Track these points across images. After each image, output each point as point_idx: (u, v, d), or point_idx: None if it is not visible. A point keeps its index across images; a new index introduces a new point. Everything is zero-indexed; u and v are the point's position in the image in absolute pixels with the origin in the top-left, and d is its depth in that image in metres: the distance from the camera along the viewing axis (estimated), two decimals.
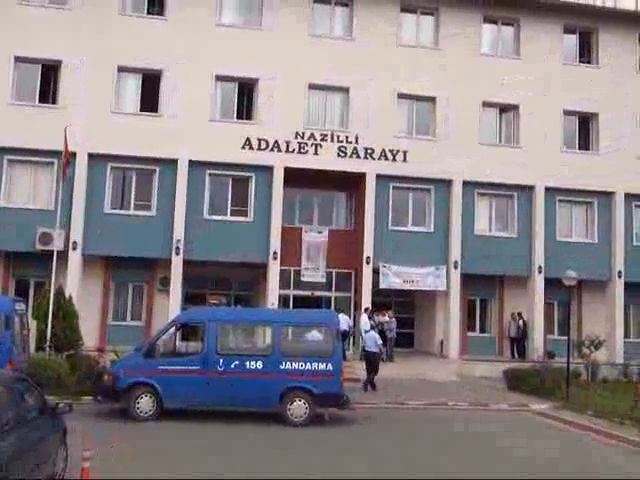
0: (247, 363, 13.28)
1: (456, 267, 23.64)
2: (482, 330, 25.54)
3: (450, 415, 15.40)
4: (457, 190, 23.86)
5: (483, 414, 15.79)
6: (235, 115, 23.27)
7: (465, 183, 23.92)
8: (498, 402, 17.02)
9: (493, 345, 25.15)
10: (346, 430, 13.16)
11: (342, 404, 13.57)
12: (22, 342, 14.41)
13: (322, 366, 13.41)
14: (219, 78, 22.91)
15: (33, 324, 17.14)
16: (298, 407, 13.26)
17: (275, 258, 22.46)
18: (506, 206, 24.81)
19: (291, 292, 23.58)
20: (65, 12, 22.01)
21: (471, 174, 23.83)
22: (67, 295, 18.90)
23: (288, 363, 13.36)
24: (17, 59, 21.70)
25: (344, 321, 19.36)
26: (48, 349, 16.54)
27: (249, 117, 23.27)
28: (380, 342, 18.90)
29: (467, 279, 24.04)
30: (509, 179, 24.16)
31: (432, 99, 24.13)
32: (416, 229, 23.99)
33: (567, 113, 25.00)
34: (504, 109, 25.10)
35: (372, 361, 18.28)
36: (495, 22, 25.20)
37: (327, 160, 23.03)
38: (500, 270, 24.40)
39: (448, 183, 23.94)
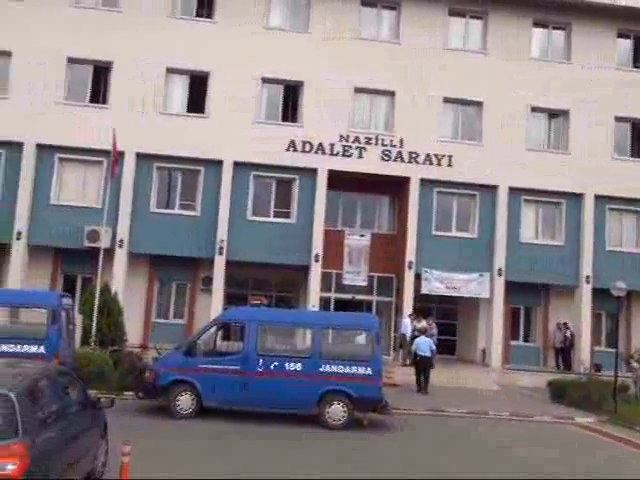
0: (286, 364, 13.27)
1: (500, 274, 23.26)
2: (526, 339, 25.03)
3: (491, 425, 15.11)
4: (503, 196, 23.49)
5: (525, 425, 15.46)
6: (280, 117, 23.39)
7: (511, 189, 23.54)
8: (541, 414, 16.61)
9: (537, 355, 24.62)
10: (383, 436, 13.02)
11: (381, 409, 13.44)
12: (68, 336, 14.70)
13: (361, 370, 13.31)
14: (265, 80, 23.06)
15: (79, 319, 17.50)
16: (336, 410, 13.19)
17: (317, 260, 22.47)
18: (553, 214, 24.31)
19: (332, 295, 23.55)
20: (116, 14, 22.47)
21: (517, 180, 23.43)
22: (112, 292, 19.30)
23: (327, 366, 13.29)
24: (69, 60, 22.24)
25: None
26: (93, 344, 16.85)
27: (294, 119, 23.35)
28: (434, 347, 19.01)
29: (511, 287, 23.63)
30: (557, 186, 23.68)
31: (479, 104, 23.82)
32: (460, 235, 23.69)
33: (619, 119, 24.37)
34: (553, 114, 24.61)
35: (426, 366, 18.43)
36: (545, 26, 24.75)
37: (371, 163, 22.95)
38: (546, 279, 23.89)
39: (493, 189, 23.59)
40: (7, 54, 21.88)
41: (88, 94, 22.58)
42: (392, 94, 23.47)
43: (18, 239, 21.40)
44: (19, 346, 13.09)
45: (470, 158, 23.33)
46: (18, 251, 21.44)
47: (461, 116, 24.18)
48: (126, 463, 7.93)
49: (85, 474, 7.55)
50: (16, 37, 21.73)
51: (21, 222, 21.44)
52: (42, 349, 13.11)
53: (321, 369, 13.26)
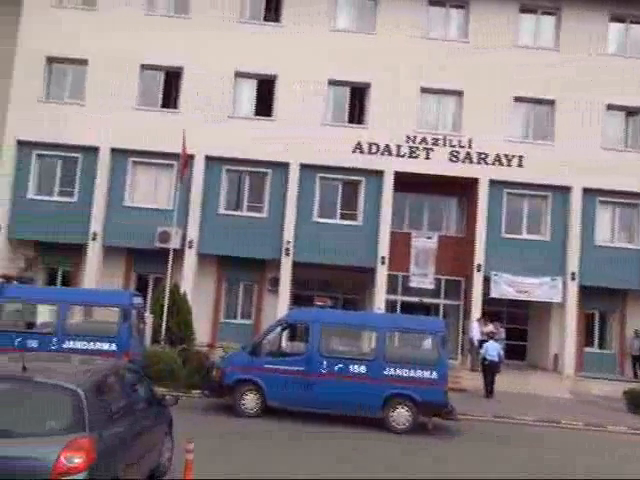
0: (350, 367, 13.23)
1: (574, 278, 22.48)
2: (601, 346, 24.03)
3: (563, 435, 14.60)
4: (577, 197, 22.70)
5: (599, 436, 14.85)
6: (347, 119, 23.37)
7: (585, 190, 22.71)
8: (616, 424, 15.91)
9: (612, 363, 23.60)
10: (449, 441, 12.79)
11: (446, 414, 13.23)
12: (139, 335, 15.14)
13: (427, 374, 13.13)
14: (332, 82, 23.08)
15: (150, 318, 17.97)
16: (401, 414, 13.05)
17: (383, 263, 22.32)
18: (631, 215, 23.31)
19: (398, 298, 23.34)
20: (186, 20, 23.00)
21: (592, 181, 22.58)
22: (182, 291, 19.75)
23: (392, 369, 13.17)
24: (142, 66, 22.89)
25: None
26: (163, 343, 17.26)
27: (360, 121, 23.27)
28: (502, 352, 18.86)
29: (585, 291, 22.79)
30: (635, 187, 22.68)
31: (551, 102, 23.11)
32: (531, 237, 23.04)
33: None
34: (631, 112, 23.60)
35: (493, 370, 18.29)
36: (623, 20, 23.77)
37: (438, 164, 22.62)
38: (623, 283, 22.88)
39: (567, 190, 22.83)
40: (83, 62, 22.73)
41: (160, 99, 23.20)
42: (460, 94, 23.07)
43: (94, 240, 22.18)
44: (92, 343, 13.58)
45: (542, 158, 22.65)
46: (93, 252, 22.22)
47: (532, 115, 23.52)
48: (190, 460, 8.06)
49: (150, 470, 7.72)
50: (91, 45, 22.50)
51: (96, 224, 22.21)
52: (113, 347, 13.55)
53: (385, 372, 13.15)
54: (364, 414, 13.52)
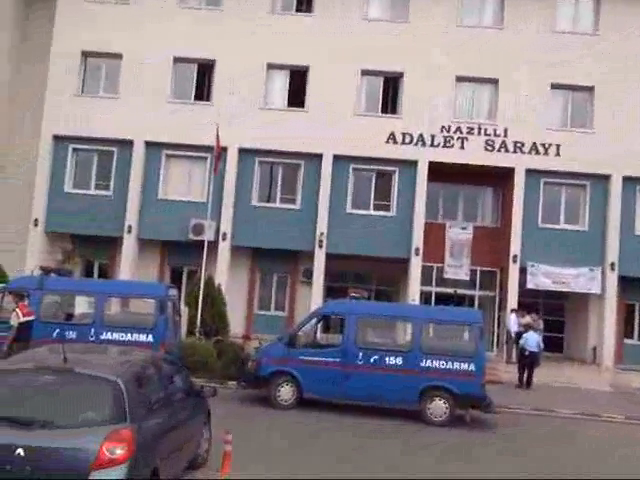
0: (386, 358, 13.11)
1: (613, 269, 21.99)
2: None
3: (603, 429, 14.28)
4: (616, 186, 22.16)
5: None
6: (380, 109, 23.17)
7: (625, 179, 22.17)
8: None
9: None
10: (487, 435, 12.61)
11: (484, 406, 13.04)
12: (174, 327, 15.23)
13: (464, 366, 12.95)
14: (365, 73, 22.90)
15: (185, 310, 18.09)
16: (438, 406, 12.90)
17: (417, 254, 22.12)
18: None
19: (433, 289, 23.12)
20: (218, 12, 23.01)
21: (633, 169, 22.03)
22: (216, 283, 19.80)
23: (429, 361, 13.02)
24: (175, 59, 22.98)
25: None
26: (198, 334, 17.35)
27: (394, 111, 23.06)
28: (541, 344, 18.63)
29: (625, 282, 22.30)
30: None
31: (590, 89, 22.58)
32: (569, 227, 22.59)
33: None
34: None
35: (533, 362, 18.12)
36: None
37: (474, 154, 22.29)
38: None
39: (606, 178, 22.32)
40: (118, 56, 22.92)
41: (192, 92, 23.27)
42: (495, 82, 22.68)
43: (129, 233, 22.40)
44: (129, 335, 13.70)
45: (580, 146, 22.16)
46: (129, 244, 22.45)
47: (570, 102, 23.01)
48: (228, 451, 8.06)
49: (188, 460, 7.74)
50: (126, 39, 22.68)
51: (131, 217, 22.43)
52: (150, 338, 13.64)
53: (422, 364, 13.01)
54: (400, 406, 13.42)
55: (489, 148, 22.36)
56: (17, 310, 12.47)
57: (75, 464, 5.40)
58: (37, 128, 22.84)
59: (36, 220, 22.52)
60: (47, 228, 22.76)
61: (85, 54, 23.23)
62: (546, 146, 22.28)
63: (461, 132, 22.42)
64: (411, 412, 13.16)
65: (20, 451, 5.36)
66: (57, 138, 22.81)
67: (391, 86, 23.22)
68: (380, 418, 12.93)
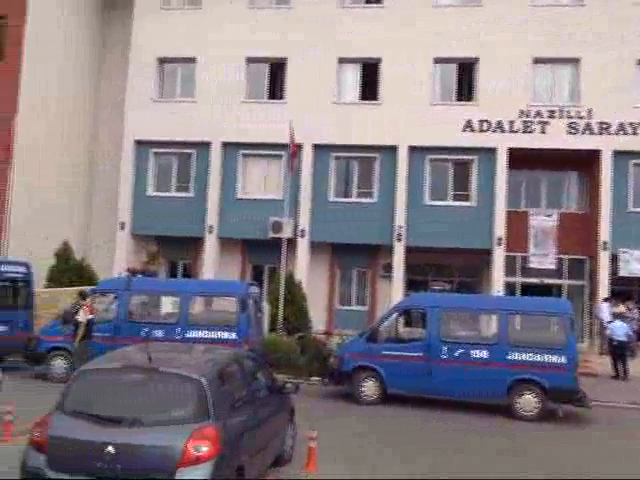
0: (472, 352, 12.76)
1: None
2: None
3: None
4: None
5: None
6: (455, 97, 22.63)
7: None
8: None
9: None
10: (581, 431, 12.03)
11: (577, 400, 12.48)
12: (257, 324, 15.40)
13: (554, 358, 12.44)
14: (438, 60, 22.41)
15: (266, 307, 18.26)
16: (528, 401, 12.45)
17: (499, 244, 21.48)
18: None
19: (517, 279, 22.38)
20: (288, 10, 23.09)
21: None
22: (296, 280, 19.93)
23: (516, 353, 12.59)
24: (248, 60, 23.23)
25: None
26: (280, 331, 17.48)
27: (470, 98, 22.47)
28: (631, 333, 17.94)
29: None
30: None
31: None
32: None
33: None
34: None
35: (623, 351, 17.47)
36: None
37: (556, 138, 21.39)
38: None
39: None
40: (192, 60, 23.40)
41: (266, 91, 23.46)
42: (576, 61, 21.68)
43: (210, 232, 22.85)
44: (213, 332, 13.93)
45: None
46: (210, 244, 22.90)
47: None
48: (313, 448, 8.03)
49: (274, 457, 7.73)
50: (198, 43, 23.14)
51: (212, 217, 22.86)
52: (233, 335, 13.83)
53: (509, 357, 12.60)
54: (488, 400, 13.05)
55: (572, 131, 21.40)
56: (84, 308, 13.13)
57: (162, 462, 5.48)
58: (120, 134, 23.67)
59: (122, 223, 23.34)
60: (133, 231, 23.54)
61: (161, 60, 23.84)
62: (634, 126, 21.13)
63: (541, 116, 21.56)
64: (499, 407, 12.76)
65: (110, 448, 5.48)
66: (139, 143, 23.54)
67: (466, 73, 22.63)
68: (466, 413, 12.61)
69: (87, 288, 15.46)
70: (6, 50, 21.91)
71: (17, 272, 16.01)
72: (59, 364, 14.14)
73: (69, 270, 20.67)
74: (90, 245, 24.94)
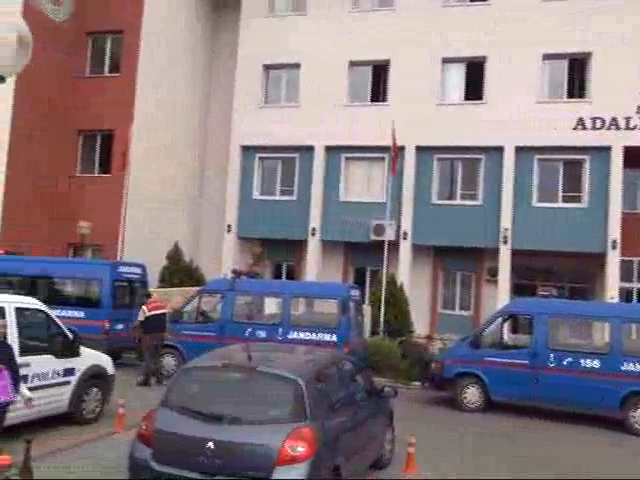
0: (581, 361, 12.18)
1: None
2: None
3: None
4: None
5: None
6: (565, 94, 21.70)
7: None
8: None
9: None
10: None
11: None
12: (357, 326, 15.41)
13: None
14: (547, 57, 21.55)
15: (368, 310, 18.25)
16: None
17: (614, 247, 20.34)
18: None
19: (635, 285, 21.15)
20: (390, 12, 22.97)
21: None
22: (398, 283, 19.79)
23: (632, 364, 11.90)
24: (351, 63, 23.33)
25: None
26: (381, 334, 17.42)
27: (581, 95, 21.46)
28: None
29: None
30: None
31: None
32: None
33: None
34: None
35: None
36: None
37: None
38: None
39: None
40: (296, 66, 23.82)
41: (368, 94, 23.48)
42: None
43: (313, 235, 23.13)
44: (314, 334, 14.09)
45: None
46: (313, 246, 23.17)
47: None
48: (412, 453, 7.95)
49: (372, 460, 7.71)
50: (302, 49, 23.51)
51: (315, 220, 23.14)
52: (334, 337, 13.92)
53: (623, 367, 11.93)
54: (598, 412, 12.42)
55: None
56: (144, 307, 13.83)
57: (259, 460, 5.60)
58: (227, 140, 24.47)
59: (229, 226, 24.10)
60: (239, 233, 24.24)
61: (266, 66, 24.41)
62: None
63: None
64: (612, 419, 12.10)
65: (211, 445, 5.65)
66: (245, 148, 24.23)
67: (576, 68, 21.64)
68: (573, 424, 12.05)
69: (195, 289, 16.07)
70: (122, 62, 23.18)
71: (134, 273, 16.84)
72: (168, 361, 14.77)
73: (179, 271, 21.64)
74: (199, 247, 25.94)
